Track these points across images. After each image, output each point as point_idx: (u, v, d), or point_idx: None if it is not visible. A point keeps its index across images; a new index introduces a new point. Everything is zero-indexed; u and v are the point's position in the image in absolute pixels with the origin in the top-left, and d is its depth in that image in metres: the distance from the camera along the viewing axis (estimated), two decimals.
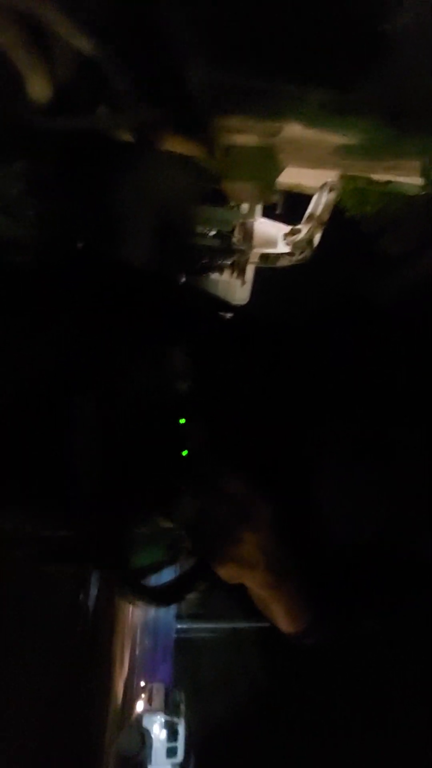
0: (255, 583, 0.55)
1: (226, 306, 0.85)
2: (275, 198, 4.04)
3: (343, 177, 4.08)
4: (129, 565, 0.52)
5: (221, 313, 0.78)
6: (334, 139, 1.03)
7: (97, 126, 0.76)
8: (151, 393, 0.54)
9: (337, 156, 1.10)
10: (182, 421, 0.57)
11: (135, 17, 0.61)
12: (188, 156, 1.29)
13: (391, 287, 0.97)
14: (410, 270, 0.90)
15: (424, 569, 0.69)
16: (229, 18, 0.68)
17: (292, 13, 0.66)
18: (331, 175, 1.95)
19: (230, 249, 4.58)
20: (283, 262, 5.09)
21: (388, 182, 1.67)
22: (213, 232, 4.24)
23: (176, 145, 1.22)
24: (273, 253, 5.05)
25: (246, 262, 4.95)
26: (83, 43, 0.49)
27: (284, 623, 0.64)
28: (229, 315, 0.80)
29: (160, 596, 0.53)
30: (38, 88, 0.55)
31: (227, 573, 0.51)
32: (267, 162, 1.16)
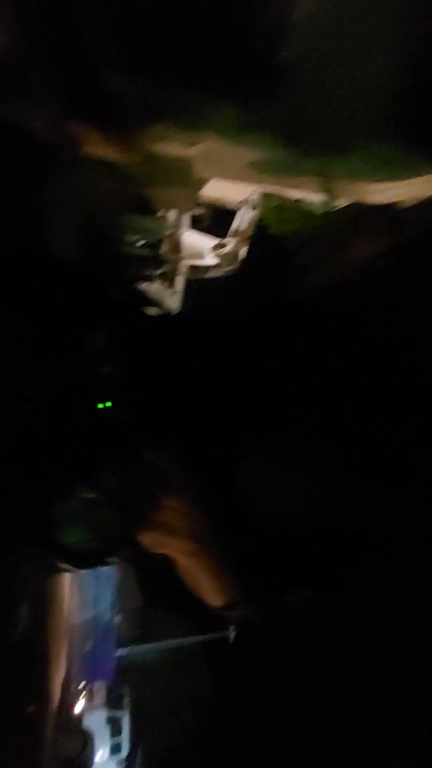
0: (178, 551, 0.59)
1: (149, 301, 0.89)
2: (199, 208, 4.20)
3: (263, 194, 4.36)
4: (55, 535, 0.53)
5: (145, 307, 0.82)
6: (246, 154, 1.13)
7: (14, 120, 0.77)
8: (75, 375, 0.56)
9: (250, 171, 1.20)
10: (108, 404, 0.60)
11: (54, 17, 0.63)
12: (111, 161, 1.32)
13: (304, 291, 1.08)
14: (318, 277, 1.01)
15: (353, 545, 0.76)
16: (144, 27, 0.73)
17: (199, 31, 0.72)
18: (251, 190, 2.09)
19: (159, 259, 4.67)
20: (212, 274, 5.30)
21: (298, 200, 1.84)
22: (141, 242, 4.31)
23: (98, 149, 1.25)
24: (202, 265, 5.24)
25: (175, 272, 5.08)
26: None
27: (210, 595, 0.68)
28: (152, 310, 0.85)
29: (83, 559, 0.54)
30: None
31: (150, 539, 0.55)
32: (185, 171, 1.23)
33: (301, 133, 0.95)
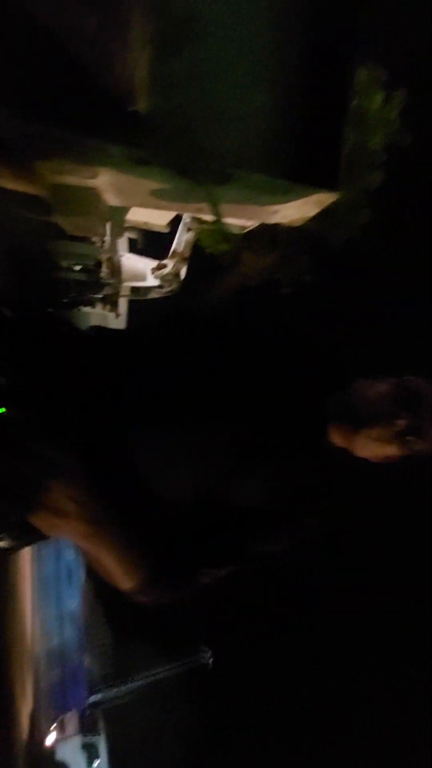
0: (75, 535, 0.63)
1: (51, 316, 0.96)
2: (130, 233, 4.30)
3: (196, 219, 4.56)
4: None
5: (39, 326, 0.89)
6: (147, 184, 1.24)
7: None
8: None
9: (153, 198, 1.32)
10: (2, 410, 0.66)
11: None
12: (26, 192, 1.39)
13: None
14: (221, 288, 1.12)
15: (249, 521, 0.82)
16: (27, 76, 0.82)
17: (82, 79, 0.82)
18: (169, 216, 2.22)
19: (99, 283, 4.70)
20: (154, 295, 5.38)
21: (215, 222, 1.99)
22: (78, 267, 4.33)
23: (9, 183, 1.32)
24: (143, 286, 5.32)
25: (117, 295, 5.11)
26: None
27: (119, 579, 0.72)
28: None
29: None
30: None
31: (42, 522, 0.59)
32: (91, 199, 1.32)
33: (187, 167, 1.07)
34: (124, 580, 0.72)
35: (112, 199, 1.43)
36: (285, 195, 1.23)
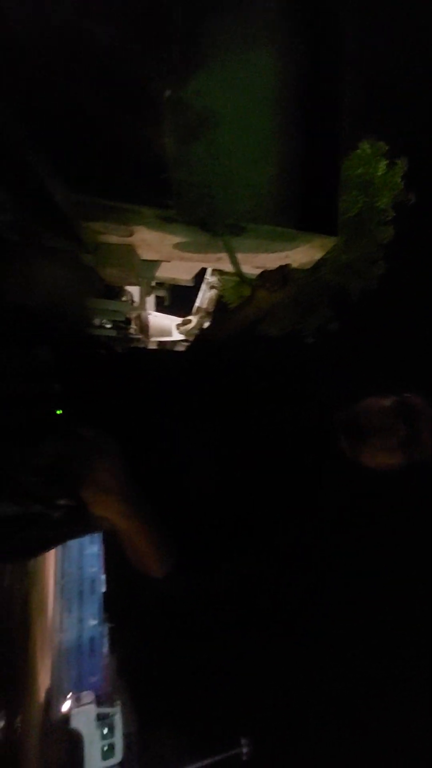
0: (115, 512, 0.72)
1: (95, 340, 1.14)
2: (160, 291, 4.69)
3: (220, 277, 4.92)
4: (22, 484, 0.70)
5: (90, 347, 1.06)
6: (171, 239, 1.47)
7: None
8: (28, 388, 0.78)
9: (176, 250, 1.54)
10: (59, 412, 0.81)
11: (12, 155, 0.94)
12: (68, 251, 1.65)
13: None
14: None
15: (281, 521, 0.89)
16: (81, 155, 1.05)
17: (124, 157, 1.05)
18: (193, 270, 2.48)
19: (128, 338, 5.04)
20: (179, 348, 5.68)
21: (234, 270, 2.22)
22: (109, 325, 4.70)
23: (58, 243, 1.58)
24: (169, 341, 5.65)
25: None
26: None
27: (151, 563, 0.79)
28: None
29: (40, 501, 0.70)
30: None
31: (89, 495, 0.69)
32: (128, 255, 1.55)
33: (206, 222, 1.29)
34: (155, 564, 0.80)
35: (144, 254, 1.67)
36: (292, 241, 1.42)
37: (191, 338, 5.85)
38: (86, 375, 0.94)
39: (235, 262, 1.37)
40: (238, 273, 1.38)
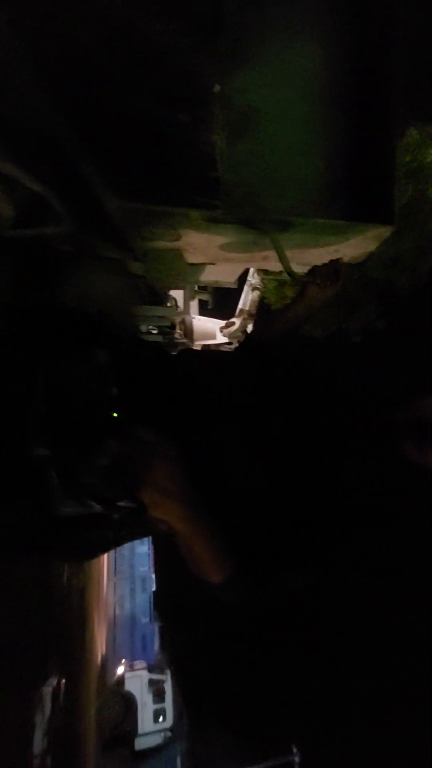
0: (174, 516, 0.72)
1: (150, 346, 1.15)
2: (203, 295, 4.72)
3: (262, 278, 4.89)
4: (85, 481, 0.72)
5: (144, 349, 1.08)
6: (218, 239, 1.46)
7: (44, 236, 1.10)
8: (89, 391, 0.80)
9: (222, 251, 1.53)
10: (115, 414, 0.82)
11: (66, 167, 0.98)
12: (118, 259, 1.69)
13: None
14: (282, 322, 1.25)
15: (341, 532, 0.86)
16: (133, 163, 1.07)
17: (175, 160, 1.05)
18: (237, 271, 2.47)
19: (173, 343, 5.13)
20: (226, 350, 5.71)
21: (281, 272, 2.18)
22: (155, 331, 4.80)
23: (110, 253, 1.62)
24: (213, 344, 5.68)
25: None
26: (35, 186, 0.84)
27: (209, 569, 0.78)
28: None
29: (104, 501, 0.72)
30: (5, 211, 0.88)
31: (148, 497, 0.70)
32: (176, 259, 1.57)
33: (251, 220, 1.27)
34: (214, 571, 0.79)
35: (190, 257, 1.68)
36: (343, 234, 1.37)
37: (235, 340, 5.88)
38: (140, 378, 0.96)
39: (284, 258, 1.34)
40: (287, 270, 1.35)
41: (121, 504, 0.79)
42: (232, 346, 6.07)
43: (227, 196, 1.02)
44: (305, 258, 1.65)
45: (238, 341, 5.77)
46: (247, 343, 1.20)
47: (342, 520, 0.86)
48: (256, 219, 1.25)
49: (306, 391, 0.96)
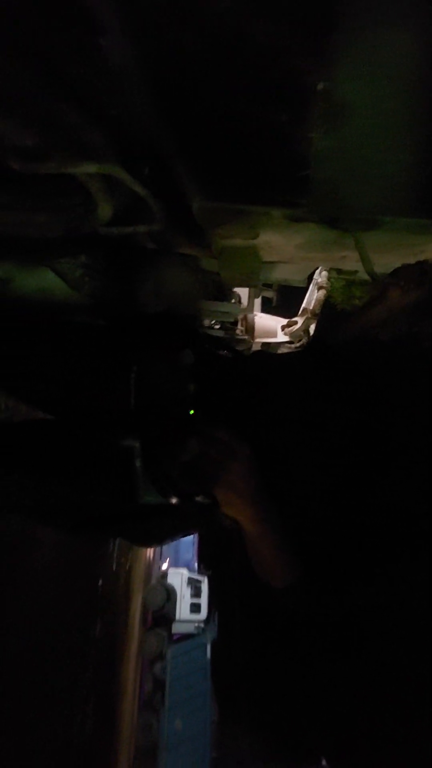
0: (244, 516, 0.74)
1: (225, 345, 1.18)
2: (268, 292, 4.67)
3: (330, 277, 4.76)
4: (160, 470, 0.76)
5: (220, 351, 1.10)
6: (295, 239, 1.45)
7: (135, 235, 1.16)
8: (172, 389, 0.84)
9: (300, 250, 1.51)
10: (192, 412, 0.86)
11: (163, 169, 1.01)
12: (194, 257, 1.73)
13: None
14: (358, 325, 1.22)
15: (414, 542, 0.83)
16: (221, 163, 1.09)
17: (263, 158, 1.06)
18: (308, 270, 2.42)
19: (234, 339, 5.16)
20: (283, 350, 5.63)
21: (355, 272, 2.11)
22: (218, 326, 4.85)
23: (187, 250, 1.67)
24: (274, 342, 5.63)
25: (250, 350, 5.51)
26: (136, 188, 0.88)
27: (275, 573, 0.79)
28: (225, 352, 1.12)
29: (180, 495, 0.75)
30: (103, 212, 0.94)
31: (222, 495, 0.72)
32: (252, 258, 1.58)
33: (334, 219, 1.24)
34: (278, 575, 0.79)
35: (265, 256, 1.68)
36: (429, 235, 1.30)
37: (296, 340, 5.78)
38: (216, 377, 0.98)
39: (366, 259, 1.30)
40: (369, 271, 1.30)
41: (198, 499, 0.82)
42: (293, 346, 6.00)
43: (312, 194, 1.01)
44: (384, 259, 1.58)
45: (300, 341, 5.68)
46: (315, 346, 1.18)
47: (410, 534, 0.83)
48: (340, 217, 1.22)
49: (377, 398, 0.93)
